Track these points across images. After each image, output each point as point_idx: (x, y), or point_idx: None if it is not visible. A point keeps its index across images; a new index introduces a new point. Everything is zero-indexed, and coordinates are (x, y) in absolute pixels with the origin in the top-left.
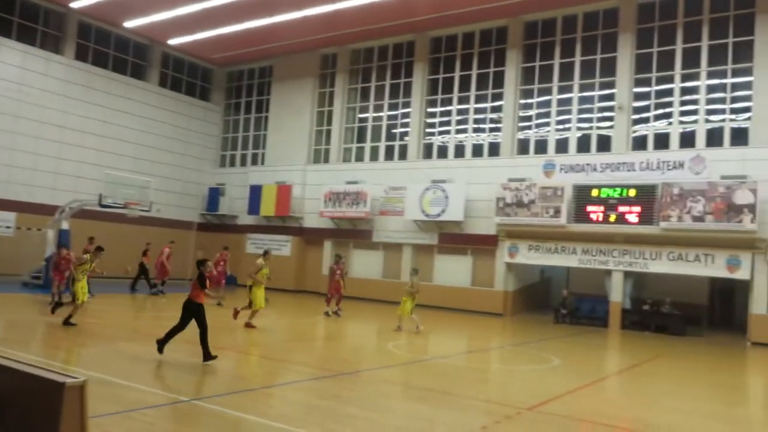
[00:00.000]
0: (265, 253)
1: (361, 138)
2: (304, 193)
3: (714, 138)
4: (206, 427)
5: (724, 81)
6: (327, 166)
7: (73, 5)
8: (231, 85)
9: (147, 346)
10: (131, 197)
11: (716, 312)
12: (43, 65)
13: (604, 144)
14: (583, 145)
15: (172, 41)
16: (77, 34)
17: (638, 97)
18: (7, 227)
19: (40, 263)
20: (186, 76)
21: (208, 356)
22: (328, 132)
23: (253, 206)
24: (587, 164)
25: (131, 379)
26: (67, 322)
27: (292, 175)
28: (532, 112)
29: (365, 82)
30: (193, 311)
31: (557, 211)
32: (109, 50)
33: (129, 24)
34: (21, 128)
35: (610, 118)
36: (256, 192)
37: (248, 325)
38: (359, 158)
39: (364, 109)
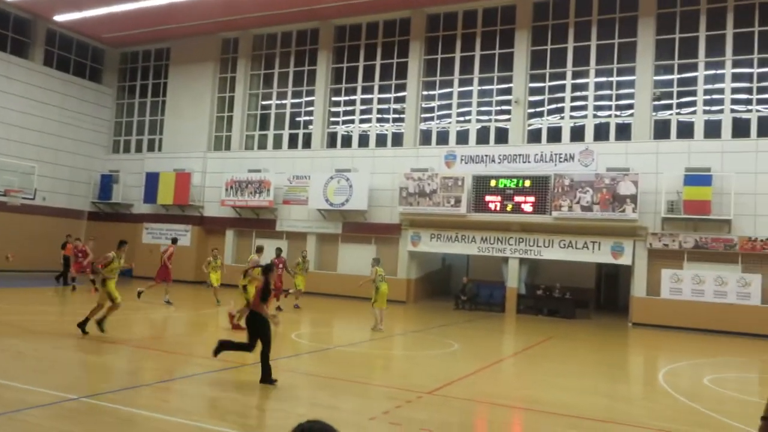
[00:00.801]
0: (260, 249)
1: (264, 125)
2: (205, 181)
3: (601, 132)
4: (97, 425)
5: (610, 79)
6: (229, 153)
7: None
8: (125, 67)
9: (31, 342)
10: (12, 184)
11: (602, 295)
12: None
13: (502, 136)
14: (483, 137)
15: (58, 17)
16: None
17: (533, 92)
18: None
19: None
20: (74, 55)
21: (268, 377)
22: (230, 118)
23: (150, 194)
24: (486, 155)
25: (13, 378)
26: (100, 323)
27: (191, 163)
28: (434, 104)
29: (268, 68)
30: (259, 325)
31: (458, 201)
32: None
33: None
34: None
35: (508, 112)
36: (152, 180)
37: (236, 327)
38: (262, 146)
39: (267, 96)
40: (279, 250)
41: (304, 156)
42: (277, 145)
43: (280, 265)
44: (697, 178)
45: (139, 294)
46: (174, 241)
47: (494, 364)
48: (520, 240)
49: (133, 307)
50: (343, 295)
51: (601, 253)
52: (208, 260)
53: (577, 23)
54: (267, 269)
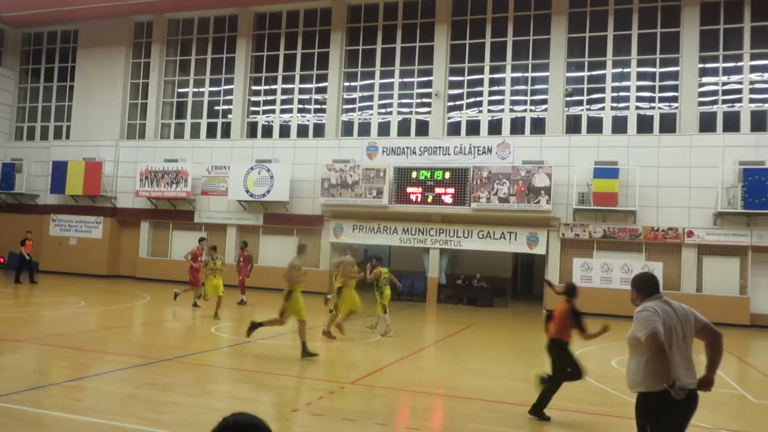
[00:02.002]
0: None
1: (180, 114)
2: (117, 170)
3: (517, 126)
4: (1, 428)
5: (525, 75)
6: (143, 142)
7: None
8: (28, 49)
9: None
10: None
11: (519, 284)
12: None
13: (423, 128)
14: (404, 129)
15: None
16: None
17: (453, 85)
18: None
19: None
20: None
21: (540, 410)
22: (144, 106)
23: (57, 184)
24: (407, 147)
25: None
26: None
27: (102, 151)
28: (356, 95)
29: (184, 54)
30: (563, 353)
31: (380, 192)
32: None
33: None
34: None
35: (428, 104)
36: (60, 168)
37: (327, 335)
38: (179, 135)
39: (184, 84)
40: (244, 243)
41: (223, 146)
42: (195, 134)
43: (241, 259)
44: (605, 171)
45: (176, 295)
46: (201, 240)
47: (416, 353)
48: (441, 231)
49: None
50: (264, 287)
51: (517, 243)
52: (203, 261)
53: (494, 19)
54: (570, 291)
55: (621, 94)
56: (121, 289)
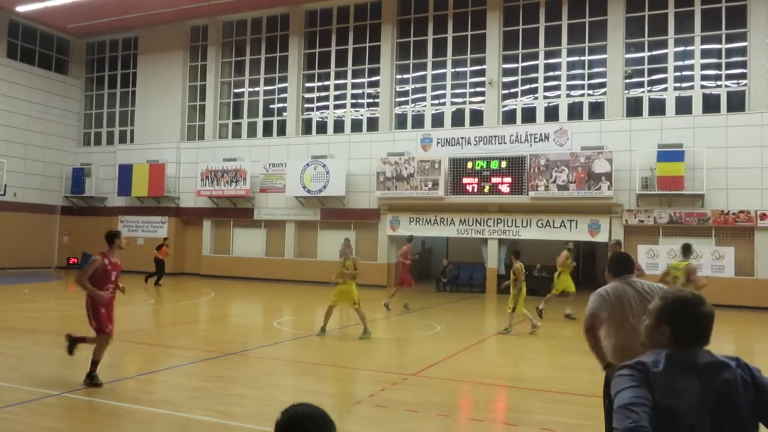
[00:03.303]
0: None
1: (237, 114)
2: (179, 171)
3: (575, 111)
4: (81, 421)
5: (582, 58)
6: (202, 143)
7: None
8: (92, 58)
9: (6, 339)
10: None
11: (581, 273)
12: None
13: (477, 118)
14: (458, 120)
15: (20, 8)
16: None
17: (507, 72)
18: None
19: None
20: (39, 47)
21: None
22: (203, 107)
23: (124, 187)
24: (462, 138)
25: None
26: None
27: (164, 153)
28: (408, 87)
29: (239, 55)
30: None
31: (435, 184)
32: None
33: None
34: None
35: (482, 93)
36: (126, 172)
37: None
38: (236, 135)
39: (240, 84)
40: (410, 239)
41: (279, 143)
42: (252, 133)
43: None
44: (670, 154)
45: (387, 305)
46: (409, 239)
47: (477, 344)
48: (499, 221)
49: None
50: (324, 282)
51: (578, 231)
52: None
53: (547, 3)
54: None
55: (684, 73)
56: (186, 286)
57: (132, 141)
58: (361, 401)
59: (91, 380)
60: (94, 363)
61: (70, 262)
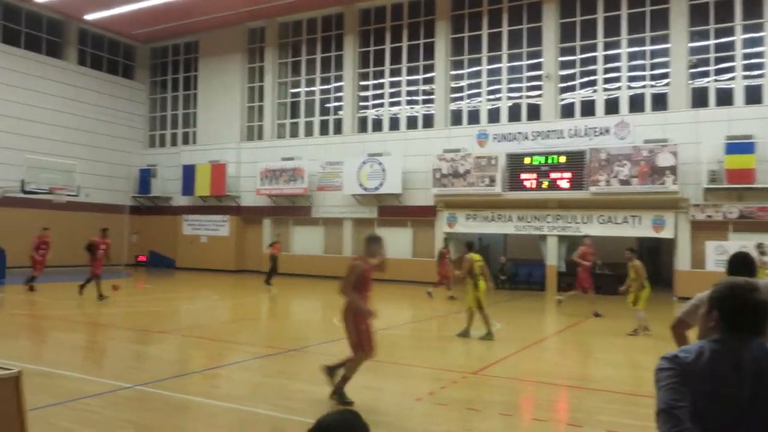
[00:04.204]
0: (470, 246)
1: (294, 113)
2: (240, 171)
3: (636, 104)
4: (153, 412)
5: (643, 48)
6: (261, 143)
7: None
8: (156, 62)
9: (83, 334)
10: (56, 182)
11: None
12: None
13: (534, 112)
14: (514, 114)
15: (89, 16)
16: None
17: (564, 65)
18: None
19: None
20: (107, 53)
21: None
22: (261, 108)
23: (187, 187)
24: (519, 133)
25: (69, 369)
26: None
27: (225, 154)
28: (463, 83)
29: (296, 56)
30: None
31: (492, 180)
32: (20, 27)
33: None
34: None
35: (539, 87)
36: (189, 172)
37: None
38: (294, 134)
39: (296, 84)
40: (447, 241)
41: (335, 142)
42: (309, 132)
43: (447, 256)
44: (739, 146)
45: (559, 302)
46: (585, 238)
47: (538, 343)
48: (558, 217)
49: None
50: (381, 279)
51: (641, 227)
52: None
53: None
54: None
55: (754, 61)
56: (248, 284)
57: (195, 142)
58: (421, 398)
59: (340, 398)
60: (345, 379)
61: (138, 259)
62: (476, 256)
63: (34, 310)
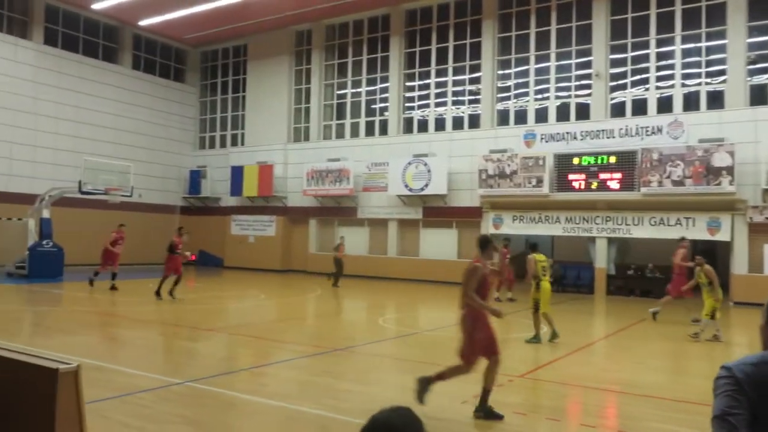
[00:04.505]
0: (534, 247)
1: (340, 114)
2: (286, 172)
3: (691, 102)
4: (203, 408)
5: (698, 45)
6: (308, 144)
7: None
8: (206, 66)
9: (136, 331)
10: (111, 183)
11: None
12: (11, 51)
13: (583, 112)
14: (563, 114)
15: (143, 22)
16: (45, 17)
17: (615, 63)
18: None
19: (23, 253)
20: (159, 57)
21: None
22: (307, 110)
23: (236, 187)
24: (567, 133)
25: (123, 364)
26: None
27: (273, 155)
28: (510, 83)
29: (342, 57)
30: None
31: (539, 181)
32: (78, 33)
33: (97, 6)
34: None
35: (588, 86)
36: (237, 173)
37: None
38: (340, 135)
39: (342, 86)
40: (507, 240)
41: (381, 143)
42: (354, 133)
43: (508, 256)
44: None
45: (654, 315)
46: (682, 240)
47: (586, 347)
48: (608, 218)
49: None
50: (426, 280)
51: (695, 230)
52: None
53: None
54: None
55: None
56: (294, 283)
57: (243, 144)
58: (467, 401)
59: (487, 413)
60: (486, 391)
61: (190, 259)
62: (540, 257)
63: (90, 307)
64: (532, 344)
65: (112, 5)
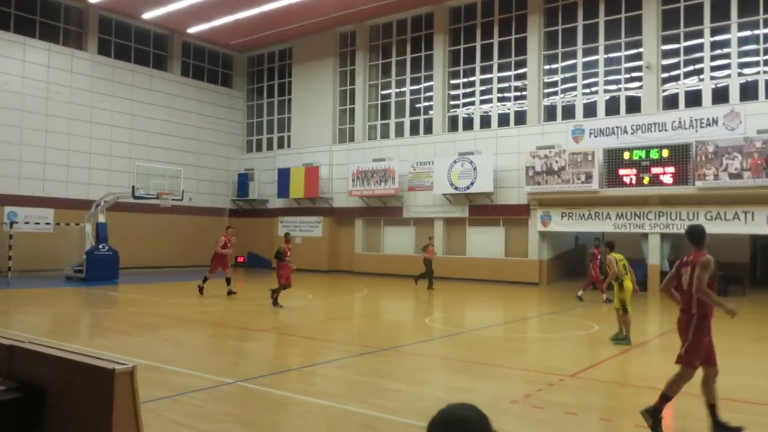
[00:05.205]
0: (611, 246)
1: (385, 114)
2: (332, 173)
3: (748, 92)
4: (253, 407)
5: (756, 32)
6: (353, 145)
7: (92, 0)
8: (252, 70)
9: (188, 331)
10: (163, 187)
11: (758, 270)
12: (67, 62)
13: (634, 105)
14: (612, 108)
15: (191, 30)
16: (98, 28)
17: (666, 54)
18: (47, 224)
19: (81, 257)
20: (207, 63)
21: None
22: (352, 111)
23: (283, 189)
24: (617, 127)
25: (176, 364)
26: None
27: (318, 156)
28: (557, 78)
29: (385, 57)
30: None
31: (588, 177)
32: (130, 43)
33: (147, 15)
34: (51, 126)
35: (639, 78)
36: (284, 175)
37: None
38: (384, 135)
39: (386, 86)
40: (597, 240)
41: (426, 142)
42: (399, 132)
43: (599, 257)
44: None
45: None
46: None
47: (640, 345)
48: (660, 214)
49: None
50: (473, 278)
51: (755, 224)
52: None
53: None
54: None
55: None
56: (341, 283)
57: (289, 146)
58: (517, 400)
59: (655, 426)
60: (664, 398)
61: (238, 260)
62: (619, 255)
63: (143, 309)
64: (620, 344)
65: (162, 14)
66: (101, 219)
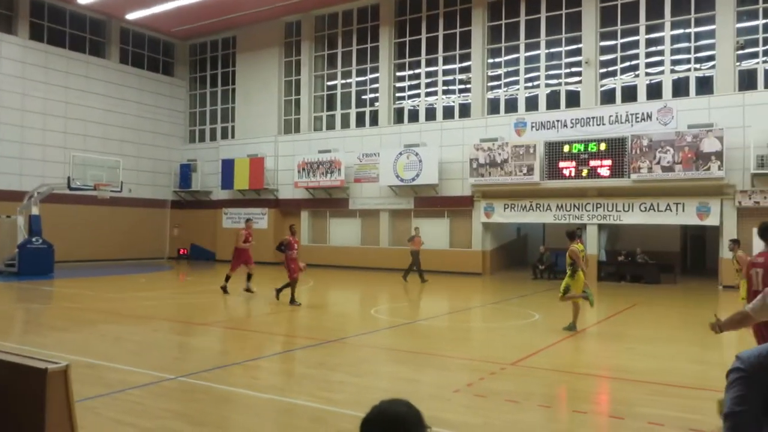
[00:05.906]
0: (572, 236)
1: (331, 106)
2: (277, 164)
3: (680, 88)
4: (196, 403)
5: (687, 31)
6: (298, 136)
7: None
8: (195, 59)
9: (127, 326)
10: (100, 178)
11: (689, 259)
12: None
13: (574, 99)
14: (553, 102)
15: (130, 15)
16: (30, 12)
17: (604, 50)
18: None
19: (13, 251)
20: (147, 51)
21: None
22: (298, 101)
23: (227, 181)
24: (557, 120)
25: (115, 360)
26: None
27: (263, 147)
28: (500, 71)
29: (331, 48)
30: None
31: (530, 169)
32: (65, 28)
33: (83, 0)
34: None
35: (578, 74)
36: (228, 166)
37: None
38: (330, 126)
39: (332, 77)
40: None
41: (372, 134)
42: (345, 124)
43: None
44: None
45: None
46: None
47: (578, 333)
48: (598, 205)
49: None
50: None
51: (685, 215)
52: None
53: None
54: None
55: None
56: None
57: (233, 137)
58: (459, 390)
59: None
60: None
61: (180, 253)
62: (581, 246)
63: (80, 303)
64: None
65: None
66: (35, 211)
